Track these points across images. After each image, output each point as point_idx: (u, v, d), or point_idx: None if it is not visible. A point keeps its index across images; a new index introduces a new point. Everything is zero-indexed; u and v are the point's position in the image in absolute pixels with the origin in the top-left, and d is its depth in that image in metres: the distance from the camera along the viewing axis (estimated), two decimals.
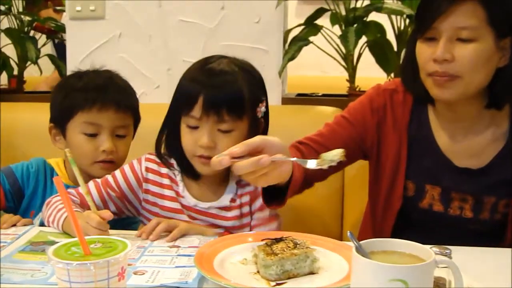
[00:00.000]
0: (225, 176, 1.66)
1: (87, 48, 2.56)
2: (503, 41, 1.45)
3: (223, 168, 1.55)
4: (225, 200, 1.63)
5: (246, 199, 1.64)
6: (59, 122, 1.76)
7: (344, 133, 1.64)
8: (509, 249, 1.37)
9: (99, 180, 1.67)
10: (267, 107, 1.63)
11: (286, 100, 2.46)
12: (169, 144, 1.64)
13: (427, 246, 0.98)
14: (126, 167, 1.68)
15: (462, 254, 1.14)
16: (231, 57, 1.63)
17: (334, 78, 2.90)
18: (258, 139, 1.27)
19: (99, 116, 1.70)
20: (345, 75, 2.57)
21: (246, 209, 1.64)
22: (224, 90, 1.52)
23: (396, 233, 1.55)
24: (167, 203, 1.64)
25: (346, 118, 1.67)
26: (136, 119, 1.81)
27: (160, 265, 1.25)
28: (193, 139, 1.55)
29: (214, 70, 1.56)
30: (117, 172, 1.68)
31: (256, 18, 2.44)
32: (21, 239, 1.42)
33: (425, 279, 0.91)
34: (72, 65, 2.50)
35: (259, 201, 1.63)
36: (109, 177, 1.67)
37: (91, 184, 1.66)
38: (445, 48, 1.42)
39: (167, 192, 1.64)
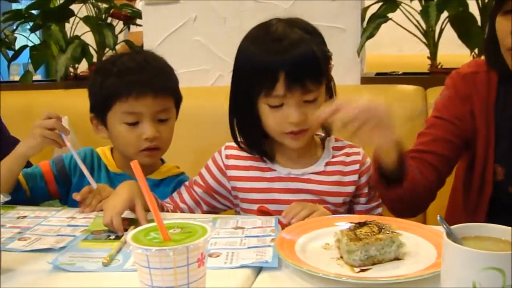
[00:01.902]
0: (320, 142, 1.65)
1: (163, 32, 2.57)
2: None
3: (313, 136, 1.59)
4: (319, 165, 1.61)
5: (352, 167, 1.62)
6: (99, 112, 1.71)
7: (445, 133, 1.57)
8: None
9: (187, 183, 1.69)
10: None
11: (365, 80, 2.40)
12: (244, 128, 1.61)
13: None
14: (209, 160, 1.68)
15: None
16: (284, 19, 1.55)
17: (413, 56, 2.82)
18: None
19: (138, 104, 1.63)
20: (424, 53, 2.48)
21: (350, 178, 1.61)
22: (303, 61, 1.45)
23: (488, 220, 1.48)
24: (255, 184, 1.61)
25: (440, 118, 1.59)
26: (178, 100, 1.75)
27: (232, 247, 1.23)
28: (280, 118, 1.50)
29: (282, 42, 1.47)
30: (203, 168, 1.68)
31: None
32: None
33: None
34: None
35: (369, 176, 1.62)
36: (196, 176, 1.68)
37: (182, 188, 1.68)
38: None
39: (253, 173, 1.62)
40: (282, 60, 1.45)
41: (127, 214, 1.40)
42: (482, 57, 1.62)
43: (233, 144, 1.65)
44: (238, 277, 1.09)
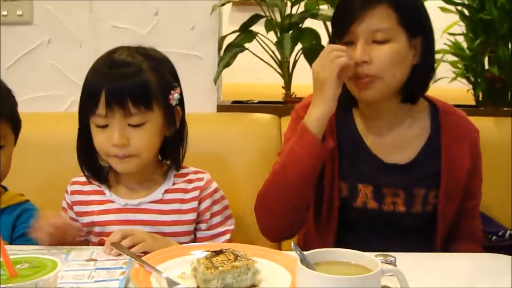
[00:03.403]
0: (165, 171, 1.62)
1: (14, 54, 2.44)
2: (415, 40, 1.55)
3: (150, 163, 1.57)
4: (158, 193, 1.58)
5: (193, 194, 1.59)
6: None
7: None
8: (453, 254, 1.44)
9: None
10: (181, 95, 1.59)
11: (221, 108, 2.42)
12: (82, 153, 1.59)
13: (372, 255, 0.96)
14: (63, 201, 1.64)
15: (406, 261, 1.12)
16: (136, 46, 1.58)
17: (269, 85, 2.89)
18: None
19: None
20: (280, 82, 2.55)
21: (190, 205, 1.58)
22: (125, 82, 1.46)
23: (338, 240, 1.60)
24: (95, 218, 1.58)
25: None
26: (15, 125, 1.65)
27: (78, 281, 1.18)
28: (104, 139, 1.49)
29: (115, 62, 1.51)
30: (61, 211, 1.63)
31: (190, 24, 2.38)
32: None
33: None
34: None
35: (211, 202, 1.61)
36: None
37: None
38: (363, 50, 1.50)
39: (94, 208, 1.59)
40: (104, 78, 1.46)
41: None
42: None
43: (78, 179, 1.63)
44: None
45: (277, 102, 2.52)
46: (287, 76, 2.49)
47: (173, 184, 1.60)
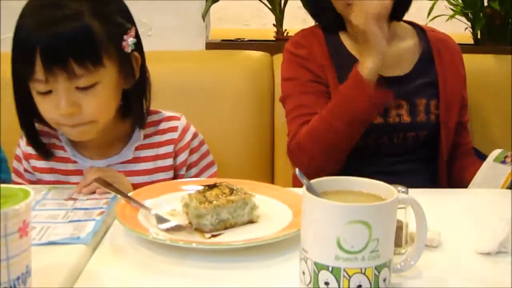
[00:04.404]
0: (131, 124, 1.40)
1: None
2: None
3: (110, 123, 1.34)
4: (127, 152, 1.39)
5: (167, 149, 1.42)
6: None
7: (319, 91, 1.62)
8: (464, 189, 1.43)
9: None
10: (138, 36, 1.33)
11: (210, 46, 2.31)
12: (23, 114, 1.33)
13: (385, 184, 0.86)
14: (17, 149, 1.44)
15: (417, 196, 1.03)
16: None
17: (259, 30, 2.80)
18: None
19: None
20: (269, 27, 2.44)
21: (165, 162, 1.42)
22: (64, 38, 1.17)
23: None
24: (55, 177, 1.39)
25: (306, 80, 1.64)
26: None
27: (51, 220, 1.07)
28: (50, 108, 1.24)
29: (47, 12, 1.20)
30: (14, 161, 1.45)
31: None
32: None
33: (389, 219, 0.78)
34: None
35: (188, 153, 1.45)
36: (12, 174, 1.46)
37: None
38: None
39: (54, 165, 1.39)
40: (38, 35, 1.18)
41: None
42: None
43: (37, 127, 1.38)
44: (75, 251, 0.95)
45: (268, 41, 2.42)
46: (278, 12, 2.37)
47: (144, 137, 1.41)
